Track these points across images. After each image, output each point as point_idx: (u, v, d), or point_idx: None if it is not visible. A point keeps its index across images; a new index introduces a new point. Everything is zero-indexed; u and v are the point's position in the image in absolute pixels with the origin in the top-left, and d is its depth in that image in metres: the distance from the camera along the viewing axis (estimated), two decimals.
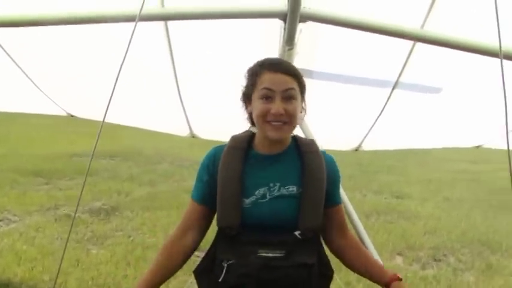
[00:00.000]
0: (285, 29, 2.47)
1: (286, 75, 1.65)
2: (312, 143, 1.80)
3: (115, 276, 4.43)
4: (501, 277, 5.05)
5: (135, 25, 1.75)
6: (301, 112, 1.74)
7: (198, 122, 4.02)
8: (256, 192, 1.67)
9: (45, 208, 6.75)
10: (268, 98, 1.63)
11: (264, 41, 2.94)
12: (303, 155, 1.73)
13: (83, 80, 3.72)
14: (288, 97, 1.64)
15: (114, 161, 11.11)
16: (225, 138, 4.81)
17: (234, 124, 3.80)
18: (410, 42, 2.83)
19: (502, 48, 2.30)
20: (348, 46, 2.92)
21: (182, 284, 4.17)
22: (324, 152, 1.79)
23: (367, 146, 4.04)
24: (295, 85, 1.67)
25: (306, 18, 2.44)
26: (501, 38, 1.81)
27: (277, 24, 2.67)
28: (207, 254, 1.76)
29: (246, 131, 1.81)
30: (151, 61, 3.17)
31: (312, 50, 2.83)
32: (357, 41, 2.82)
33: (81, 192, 2.04)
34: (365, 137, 3.89)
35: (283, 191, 1.68)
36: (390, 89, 3.27)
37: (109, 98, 1.77)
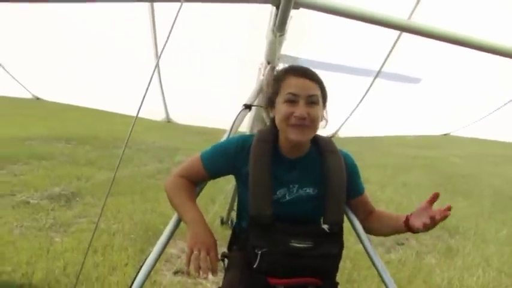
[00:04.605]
0: (276, 14, 2.43)
1: (311, 81, 1.78)
2: (330, 142, 1.95)
3: (84, 264, 4.28)
4: (460, 258, 5.32)
5: (180, 6, 1.69)
6: (321, 120, 1.86)
7: (176, 107, 3.93)
8: (278, 192, 1.82)
9: (1, 195, 6.38)
10: (292, 101, 1.74)
11: (250, 27, 2.90)
12: (322, 154, 1.87)
13: (50, 62, 3.53)
14: (311, 102, 1.74)
15: (71, 144, 10.69)
16: (201, 123, 4.76)
17: (212, 109, 3.77)
18: (396, 33, 2.87)
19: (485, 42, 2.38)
20: (336, 34, 2.92)
21: None
22: (341, 150, 1.93)
23: (343, 133, 4.10)
24: (318, 92, 1.78)
25: (299, 4, 2.40)
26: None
27: (265, 10, 2.63)
28: (237, 239, 1.99)
29: (269, 126, 1.93)
30: (133, 44, 3.05)
31: (300, 37, 2.81)
32: (344, 30, 2.82)
33: (111, 185, 1.94)
34: (342, 125, 3.94)
35: (301, 192, 1.85)
36: (372, 78, 3.32)
37: (145, 90, 1.69)
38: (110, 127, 13.03)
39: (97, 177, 7.72)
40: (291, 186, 1.85)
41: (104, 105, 4.38)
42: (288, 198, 1.85)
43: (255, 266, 1.69)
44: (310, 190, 1.86)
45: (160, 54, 1.80)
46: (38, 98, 4.04)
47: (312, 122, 1.75)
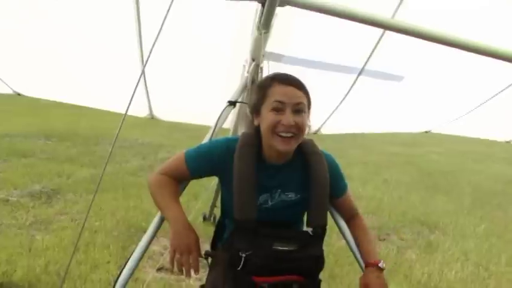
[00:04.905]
0: (262, 12, 2.42)
1: (297, 89, 1.77)
2: (312, 144, 1.94)
3: (65, 262, 4.22)
4: (440, 253, 5.43)
5: (171, 4, 1.68)
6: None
7: (159, 103, 3.90)
8: (260, 198, 1.82)
9: None
10: (279, 110, 1.73)
11: (235, 23, 2.89)
12: (305, 157, 1.88)
13: (31, 57, 3.47)
14: (298, 110, 1.74)
15: (51, 141, 10.52)
16: (185, 120, 4.73)
17: (196, 106, 3.75)
18: (380, 31, 2.89)
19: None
20: (320, 32, 2.93)
21: None
22: (322, 151, 1.93)
23: (325, 130, 4.13)
24: (304, 100, 1.77)
25: (285, 2, 2.40)
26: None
27: (250, 7, 2.62)
28: (220, 236, 2.01)
29: (253, 130, 1.90)
30: (117, 40, 3.02)
31: (284, 35, 2.81)
32: (328, 28, 2.83)
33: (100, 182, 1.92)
34: (325, 122, 3.96)
35: (283, 197, 1.88)
36: (355, 76, 3.35)
37: (134, 89, 1.67)
38: (91, 124, 12.89)
39: (78, 174, 7.63)
40: (273, 191, 1.86)
41: (87, 101, 4.33)
42: (270, 203, 1.86)
43: (239, 268, 1.71)
44: (292, 195, 1.88)
45: (147, 60, 1.79)
46: (19, 94, 3.96)
47: (298, 131, 1.75)
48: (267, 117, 1.76)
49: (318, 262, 1.82)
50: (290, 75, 1.83)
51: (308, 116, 1.82)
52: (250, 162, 1.80)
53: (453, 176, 10.48)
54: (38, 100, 4.83)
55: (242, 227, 1.75)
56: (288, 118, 1.71)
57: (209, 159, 1.88)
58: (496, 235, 6.29)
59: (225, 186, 1.95)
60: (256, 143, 1.85)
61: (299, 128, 1.74)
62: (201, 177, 1.96)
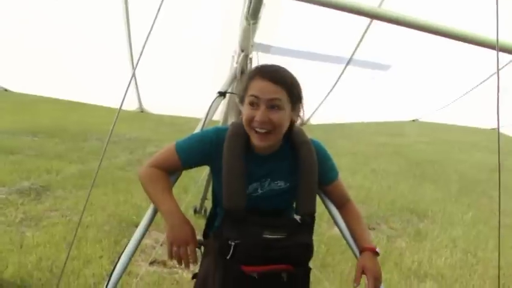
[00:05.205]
0: (250, 2, 2.44)
1: (275, 84, 1.71)
2: (301, 132, 1.94)
3: (56, 258, 4.21)
4: (429, 241, 5.51)
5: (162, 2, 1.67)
6: (296, 121, 1.87)
7: (149, 96, 3.88)
8: (250, 187, 1.83)
9: None
10: (254, 104, 1.71)
11: (224, 14, 2.90)
12: (295, 145, 1.88)
13: (18, 51, 3.42)
14: (273, 106, 1.70)
15: (38, 138, 10.42)
16: (175, 112, 4.69)
17: (186, 98, 3.75)
18: (367, 21, 2.91)
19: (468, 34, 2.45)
20: (308, 22, 2.94)
21: None
22: (311, 139, 1.94)
23: (314, 120, 4.15)
24: (283, 95, 1.72)
25: None
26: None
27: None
28: (212, 224, 2.02)
29: (241, 119, 1.87)
30: (105, 33, 3.00)
31: (271, 25, 2.82)
32: (316, 18, 2.85)
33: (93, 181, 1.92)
34: (314, 112, 3.98)
35: (273, 186, 1.89)
36: (343, 65, 3.37)
37: (128, 82, 1.66)
38: (79, 119, 12.78)
39: (67, 171, 7.57)
40: (263, 180, 1.87)
41: (76, 96, 4.28)
42: (260, 192, 1.87)
43: (228, 257, 1.72)
44: (282, 183, 1.88)
45: (138, 60, 1.79)
46: (6, 90, 3.91)
47: (273, 127, 1.72)
48: (244, 111, 1.77)
49: (307, 250, 1.82)
50: (275, 69, 1.78)
51: (291, 111, 1.78)
52: (238, 152, 1.80)
53: (440, 165, 10.61)
54: (27, 96, 4.78)
55: (231, 216, 1.77)
56: (261, 114, 1.69)
57: (200, 149, 1.88)
58: (482, 222, 6.40)
59: (215, 175, 1.95)
60: (245, 132, 1.84)
61: (274, 125, 1.71)
62: (191, 167, 1.95)
